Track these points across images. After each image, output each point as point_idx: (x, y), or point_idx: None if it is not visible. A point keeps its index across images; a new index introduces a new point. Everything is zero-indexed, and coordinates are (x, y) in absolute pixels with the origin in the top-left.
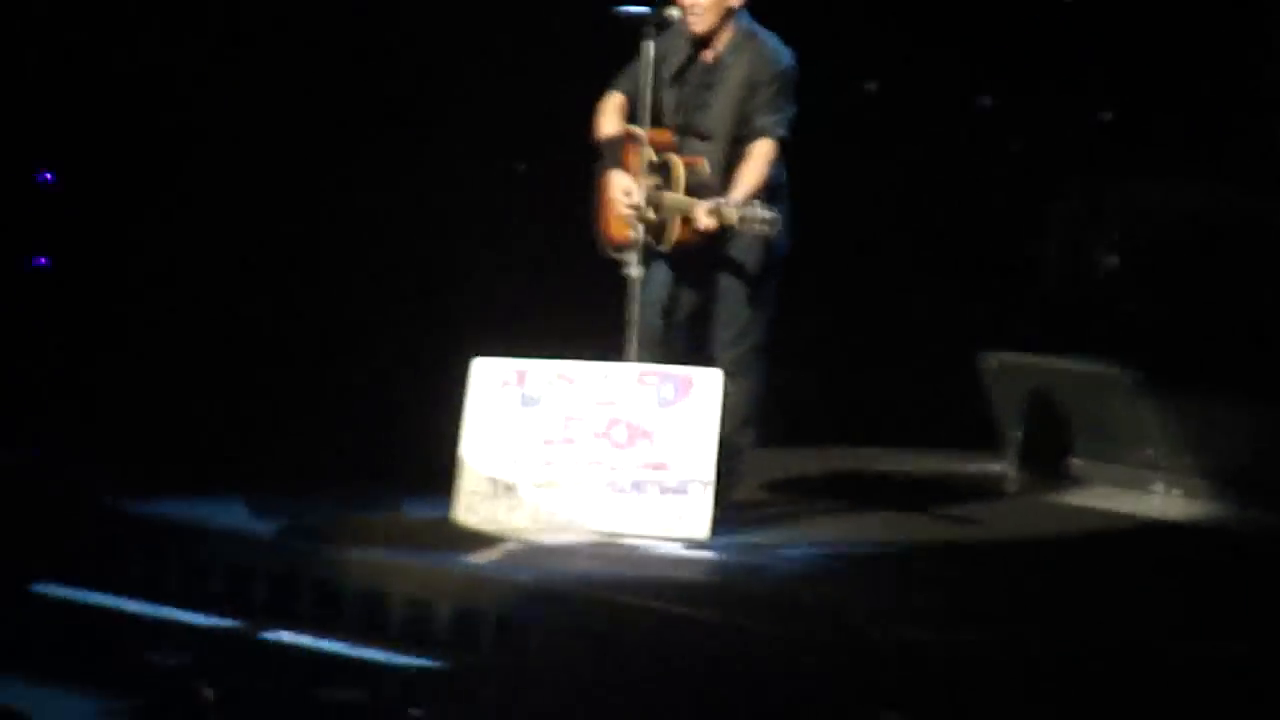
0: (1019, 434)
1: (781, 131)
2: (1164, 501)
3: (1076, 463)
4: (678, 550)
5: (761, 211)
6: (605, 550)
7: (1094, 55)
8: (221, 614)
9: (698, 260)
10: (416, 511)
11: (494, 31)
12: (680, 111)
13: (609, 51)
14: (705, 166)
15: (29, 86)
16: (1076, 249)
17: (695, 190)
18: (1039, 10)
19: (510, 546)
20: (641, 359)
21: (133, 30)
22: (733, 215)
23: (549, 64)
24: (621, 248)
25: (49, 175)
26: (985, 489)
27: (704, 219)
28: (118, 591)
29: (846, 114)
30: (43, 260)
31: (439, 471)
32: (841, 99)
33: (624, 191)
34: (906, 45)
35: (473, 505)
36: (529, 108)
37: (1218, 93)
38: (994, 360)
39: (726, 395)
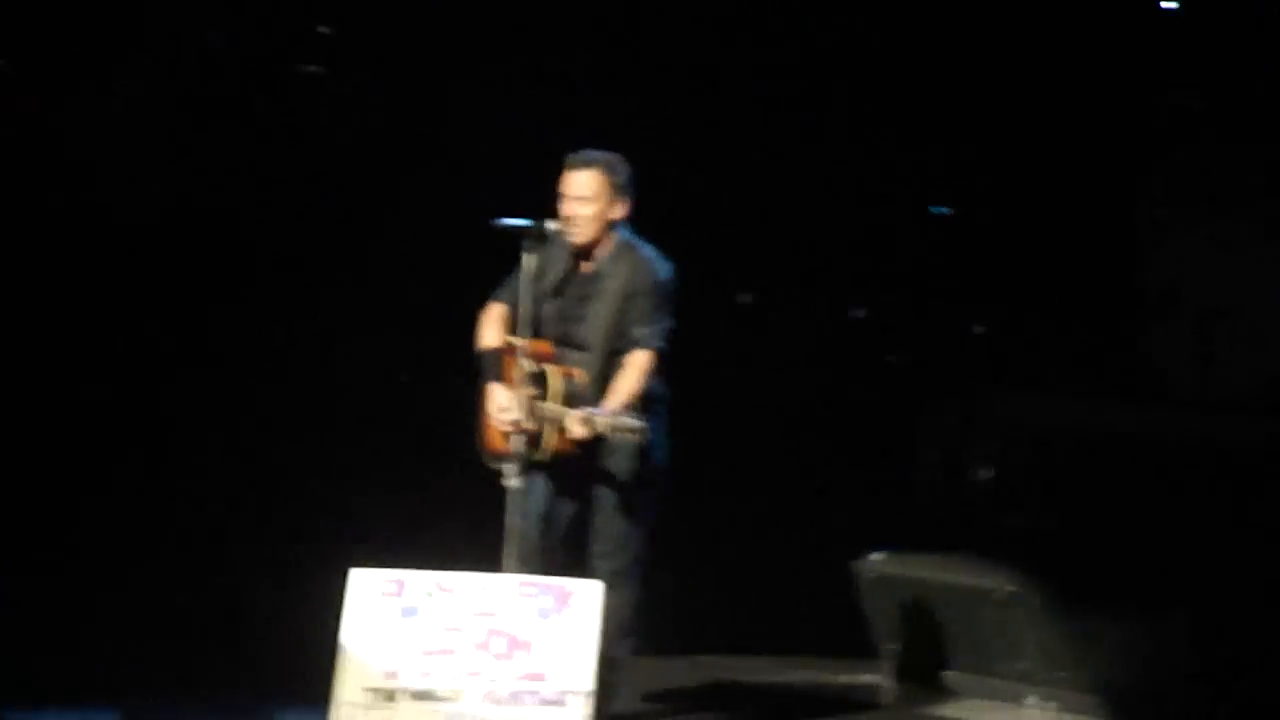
0: (893, 645)
1: (658, 343)
2: (1040, 716)
3: (952, 675)
4: None
5: (630, 421)
6: None
7: (968, 267)
8: None
9: (576, 471)
10: None
11: (381, 239)
12: (559, 322)
13: (492, 261)
14: (582, 377)
15: None
16: (951, 461)
17: (571, 400)
18: (913, 222)
19: None
20: (521, 570)
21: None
22: (604, 424)
23: (433, 273)
24: (501, 458)
25: None
26: (861, 701)
27: (576, 428)
28: None
29: (724, 327)
30: None
31: (316, 682)
32: (719, 312)
33: (500, 408)
34: (783, 255)
35: (351, 717)
36: (413, 317)
37: (1092, 304)
38: (868, 570)
39: (605, 607)
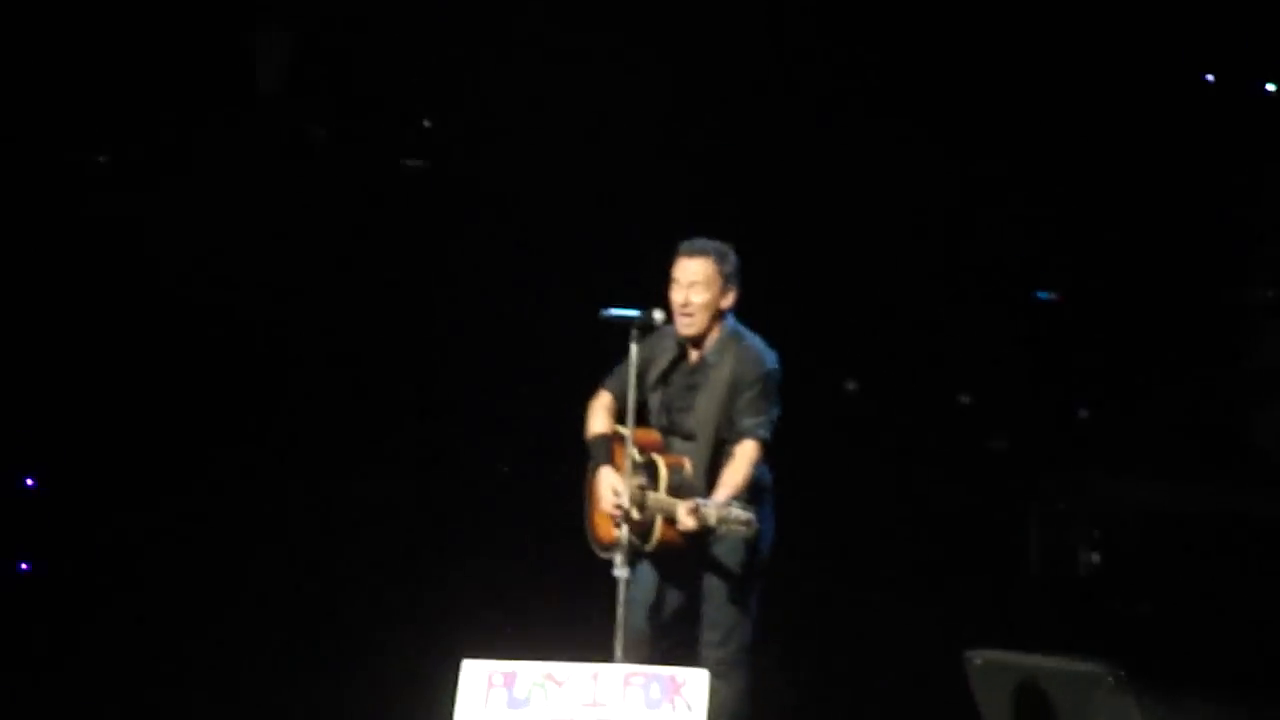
0: None
1: (764, 433)
2: None
3: None
4: None
5: (739, 512)
6: None
7: (1073, 351)
8: None
9: (683, 561)
10: None
11: (492, 332)
12: (665, 412)
13: (600, 352)
14: (689, 467)
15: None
16: (1058, 547)
17: (678, 490)
18: (1019, 307)
19: None
20: (628, 660)
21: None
22: (712, 516)
23: (541, 364)
24: (609, 547)
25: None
26: None
27: (685, 519)
28: None
29: (829, 414)
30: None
31: None
32: (824, 399)
33: (612, 490)
34: (888, 342)
35: None
36: (520, 408)
37: (1197, 387)
38: (978, 659)
39: (714, 696)
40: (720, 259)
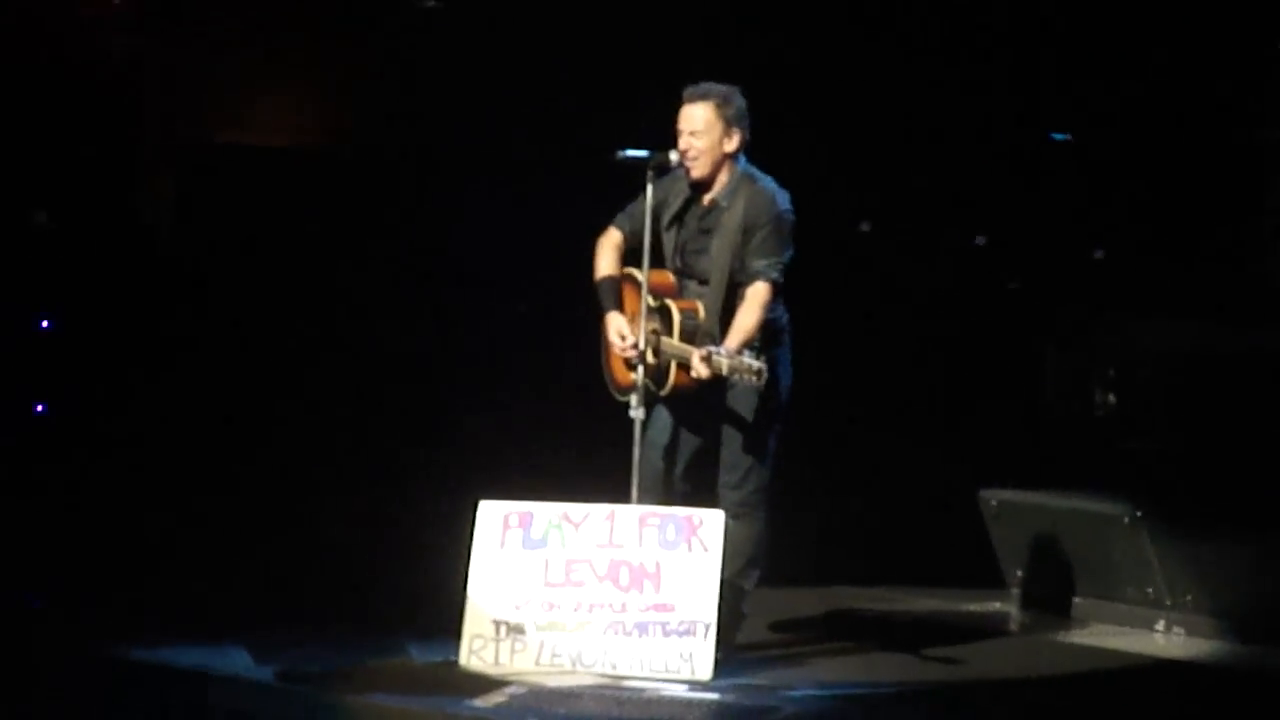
0: (1020, 573)
1: (775, 274)
2: (1166, 640)
3: (1078, 601)
4: (682, 692)
5: (750, 361)
6: (610, 693)
7: (1089, 193)
8: None
9: (699, 403)
10: (422, 655)
11: (495, 171)
12: (679, 254)
13: (610, 194)
14: (702, 312)
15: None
16: (1074, 387)
17: (691, 336)
18: (1034, 148)
19: (515, 690)
20: (644, 501)
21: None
22: (724, 365)
23: (551, 204)
24: (625, 390)
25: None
26: (988, 628)
27: (698, 367)
28: None
29: (842, 255)
30: (40, 406)
31: (446, 613)
32: (837, 240)
33: (619, 334)
34: (904, 184)
35: (478, 649)
36: (531, 248)
37: (1212, 228)
38: (994, 499)
39: (729, 537)
40: (722, 103)
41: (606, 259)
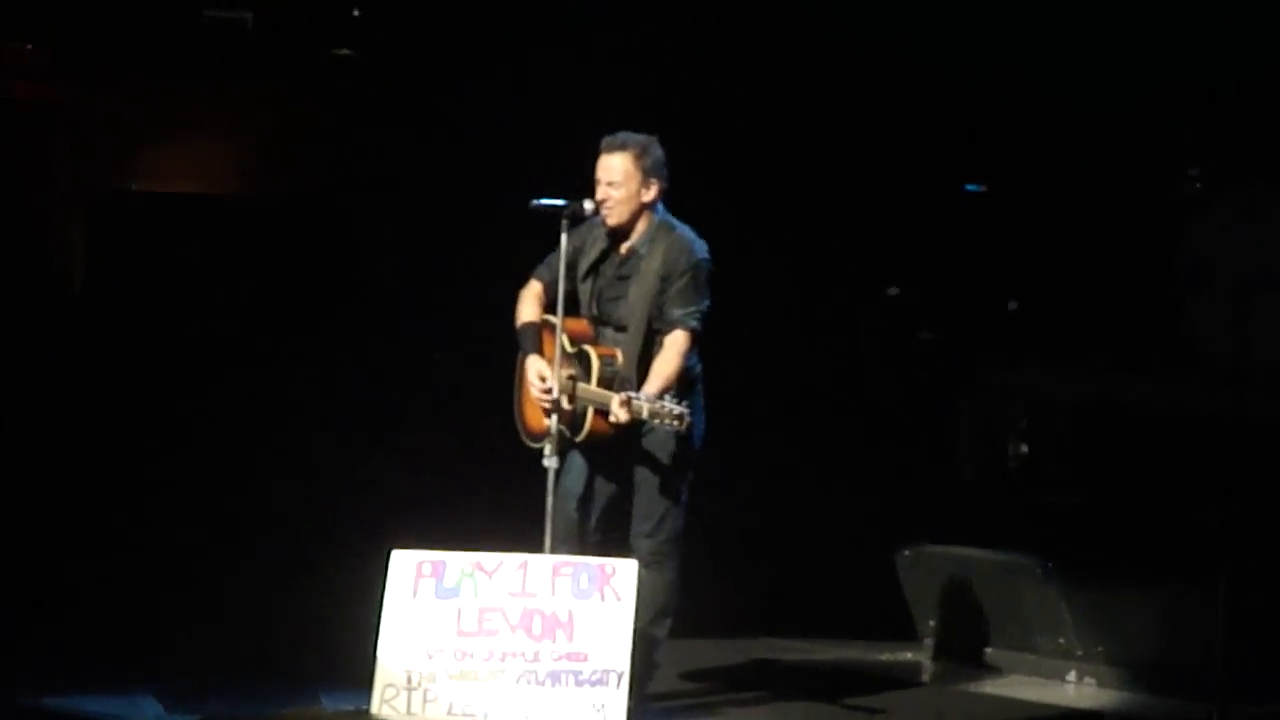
0: (933, 623)
1: (694, 323)
2: (1077, 690)
3: (991, 652)
4: None
5: (672, 406)
6: None
7: (1002, 243)
8: None
9: (614, 451)
10: (334, 704)
11: (417, 221)
12: (596, 302)
13: (527, 243)
14: (621, 358)
15: None
16: (987, 437)
17: (610, 382)
18: (947, 199)
19: None
20: (558, 551)
21: None
22: (644, 409)
23: (469, 254)
24: (539, 437)
25: None
26: (902, 679)
27: (617, 411)
28: None
29: (759, 304)
30: None
31: (358, 662)
32: (755, 289)
33: (539, 376)
34: (817, 234)
35: (390, 698)
36: (450, 297)
37: (1125, 278)
38: (909, 552)
39: (643, 586)
40: (641, 153)
41: (528, 307)
